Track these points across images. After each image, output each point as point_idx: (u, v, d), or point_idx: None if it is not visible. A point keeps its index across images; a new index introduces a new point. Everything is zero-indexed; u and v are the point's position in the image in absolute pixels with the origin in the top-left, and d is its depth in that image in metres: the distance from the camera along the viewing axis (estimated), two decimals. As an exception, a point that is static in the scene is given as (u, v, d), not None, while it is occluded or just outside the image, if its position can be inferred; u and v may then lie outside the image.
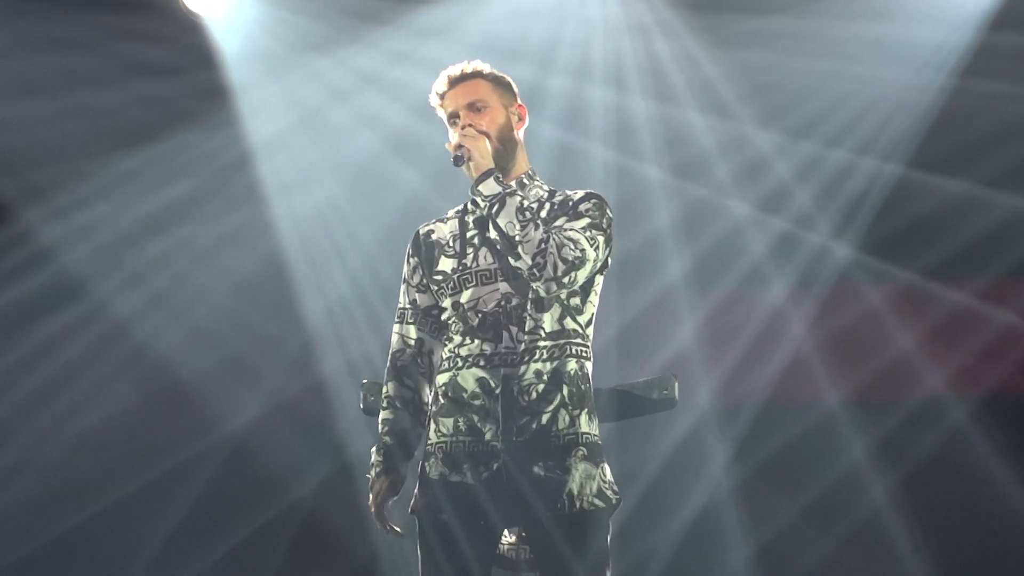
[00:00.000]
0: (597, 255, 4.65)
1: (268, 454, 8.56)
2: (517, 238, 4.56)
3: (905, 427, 8.36)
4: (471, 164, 4.65)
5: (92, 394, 8.56)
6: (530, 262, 4.55)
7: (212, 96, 8.47)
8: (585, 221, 4.67)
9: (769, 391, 8.42)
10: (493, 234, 4.64)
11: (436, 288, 4.78)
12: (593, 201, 4.73)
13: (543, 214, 4.71)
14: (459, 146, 4.65)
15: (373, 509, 4.73)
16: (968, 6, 8.26)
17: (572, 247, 4.57)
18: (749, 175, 8.47)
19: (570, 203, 4.73)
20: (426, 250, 4.83)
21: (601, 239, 4.66)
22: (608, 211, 4.73)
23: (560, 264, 4.55)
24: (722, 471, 8.33)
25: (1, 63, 8.39)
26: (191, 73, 8.46)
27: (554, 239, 4.56)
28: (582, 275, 4.62)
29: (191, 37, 8.42)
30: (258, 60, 8.53)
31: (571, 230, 4.61)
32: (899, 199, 8.37)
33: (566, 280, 4.57)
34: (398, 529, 4.72)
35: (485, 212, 4.63)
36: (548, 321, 4.65)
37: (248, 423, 8.54)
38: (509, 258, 4.59)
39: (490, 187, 4.62)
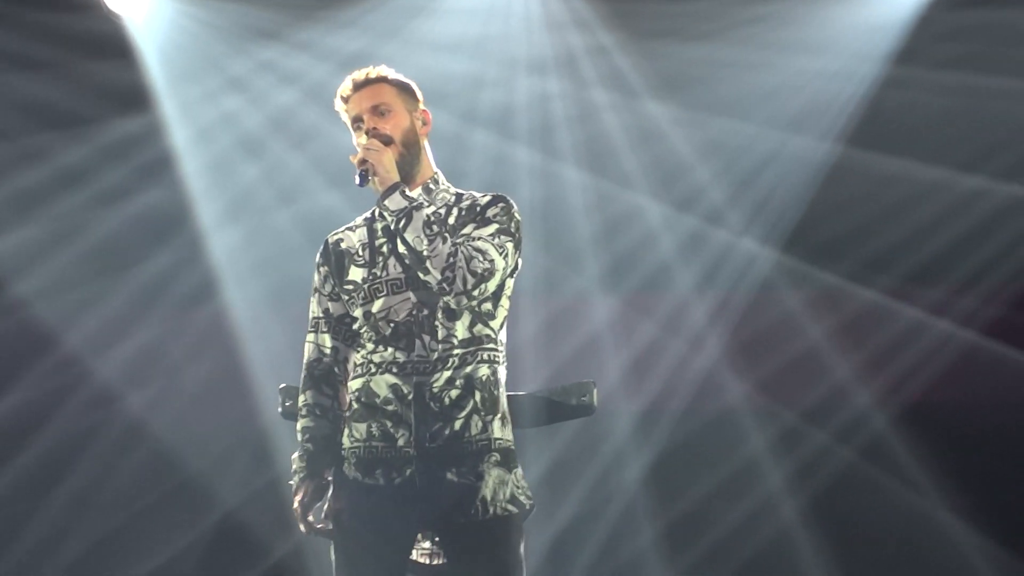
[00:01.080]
0: (507, 262, 4.64)
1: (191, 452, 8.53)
2: (425, 253, 4.53)
3: (820, 433, 8.42)
4: (375, 179, 4.62)
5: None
6: (439, 276, 4.53)
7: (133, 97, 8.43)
8: (493, 227, 4.65)
9: (684, 398, 8.45)
10: (402, 248, 4.61)
11: (347, 297, 4.75)
12: (500, 205, 4.71)
13: (451, 220, 4.70)
14: (363, 161, 4.61)
15: (300, 513, 4.69)
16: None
17: (481, 259, 4.56)
18: (666, 174, 8.50)
19: (477, 208, 4.71)
20: (336, 259, 4.80)
21: (510, 245, 4.66)
22: (516, 214, 4.72)
23: (470, 278, 4.54)
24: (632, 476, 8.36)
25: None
26: (112, 73, 8.41)
27: (462, 252, 4.55)
28: (492, 284, 4.61)
29: (112, 38, 8.39)
30: (178, 60, 8.48)
31: (479, 239, 4.61)
32: (819, 200, 8.44)
33: (476, 292, 4.56)
34: (328, 527, 4.68)
35: (392, 227, 4.60)
36: (460, 329, 4.64)
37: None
38: (419, 273, 4.57)
39: (396, 202, 4.59)
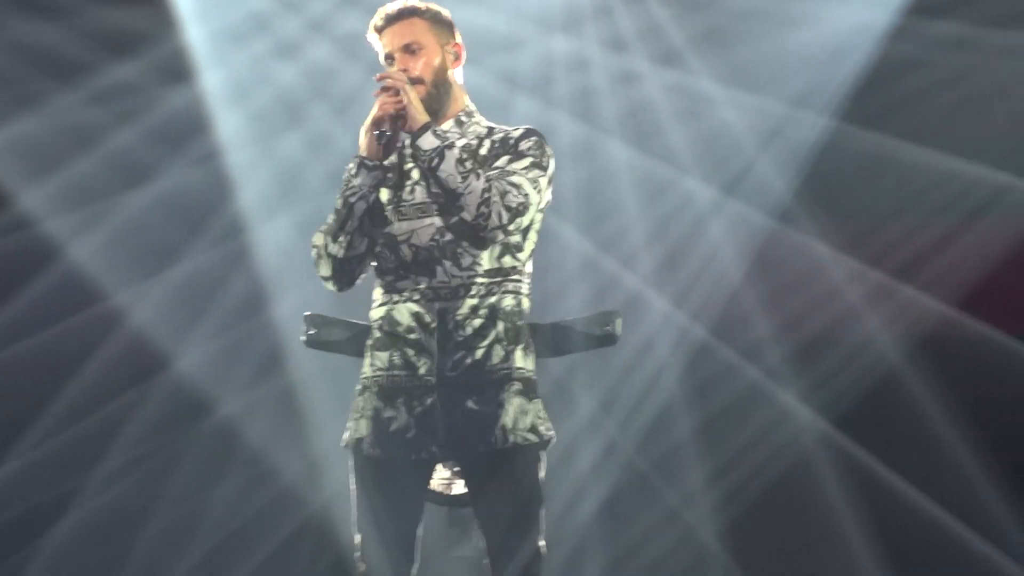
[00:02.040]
0: (540, 197, 4.64)
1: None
2: (459, 190, 4.52)
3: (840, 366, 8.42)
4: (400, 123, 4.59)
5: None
6: (475, 212, 4.51)
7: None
8: (527, 161, 4.64)
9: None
10: (435, 188, 4.60)
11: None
12: (534, 139, 4.69)
13: (483, 152, 4.69)
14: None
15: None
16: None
17: (516, 192, 4.55)
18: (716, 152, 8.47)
19: (510, 140, 4.69)
20: None
21: (543, 179, 4.64)
22: (548, 147, 4.70)
23: (505, 213, 4.53)
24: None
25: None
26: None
27: (496, 187, 4.53)
28: (526, 219, 4.60)
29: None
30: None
31: (514, 174, 4.59)
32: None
33: (512, 227, 4.56)
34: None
35: (426, 167, 4.57)
36: (486, 258, 4.64)
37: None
38: (452, 209, 4.55)
39: (428, 141, 4.56)
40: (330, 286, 4.72)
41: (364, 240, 4.63)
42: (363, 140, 4.64)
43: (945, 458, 8.18)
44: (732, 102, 8.40)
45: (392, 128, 4.59)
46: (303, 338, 5.05)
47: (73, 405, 8.47)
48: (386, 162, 4.64)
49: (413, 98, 4.57)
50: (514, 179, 4.58)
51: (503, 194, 4.53)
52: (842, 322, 8.44)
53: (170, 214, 8.52)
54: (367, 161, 4.62)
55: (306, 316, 5.03)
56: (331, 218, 4.67)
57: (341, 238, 4.63)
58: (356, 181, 4.62)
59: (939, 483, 8.15)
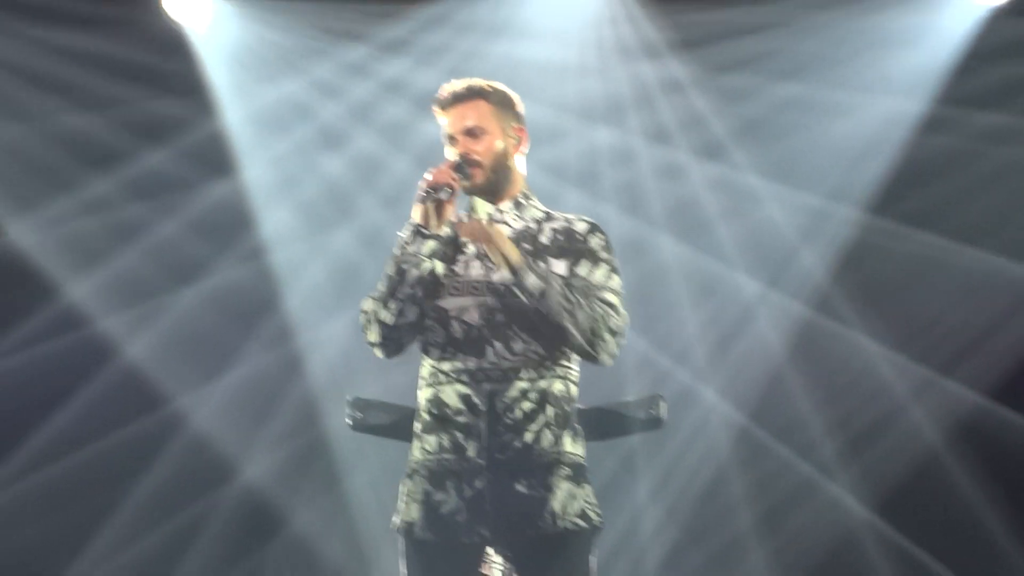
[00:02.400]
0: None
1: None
2: (566, 324, 4.51)
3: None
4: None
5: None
6: (583, 341, 4.53)
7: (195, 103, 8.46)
8: (606, 268, 4.65)
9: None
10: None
11: None
12: (600, 236, 4.70)
13: (543, 239, 4.68)
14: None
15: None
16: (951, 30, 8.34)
17: (615, 315, 4.59)
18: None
19: (576, 236, 4.69)
20: None
21: (618, 280, 4.68)
22: (612, 247, 4.72)
23: (611, 339, 4.57)
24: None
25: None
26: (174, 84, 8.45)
27: (597, 312, 4.55)
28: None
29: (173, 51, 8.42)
30: (241, 71, 8.50)
31: (603, 289, 4.60)
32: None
33: (619, 347, 4.60)
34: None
35: (530, 302, 4.54)
36: (539, 343, 4.62)
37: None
38: (564, 326, 4.54)
39: (533, 282, 4.53)
40: (378, 352, 4.69)
41: (415, 308, 4.61)
42: (417, 208, 4.63)
43: (986, 544, 8.17)
44: (774, 196, 8.43)
45: (444, 196, 4.59)
46: (348, 422, 5.02)
47: (139, 514, 8.44)
48: (440, 232, 4.63)
49: (502, 242, 4.54)
50: (607, 296, 4.60)
51: (604, 318, 4.56)
52: (883, 412, 8.43)
53: (222, 312, 8.51)
54: (422, 229, 4.61)
55: (350, 400, 5.01)
56: (381, 284, 4.65)
57: (392, 305, 4.61)
58: (410, 248, 4.61)
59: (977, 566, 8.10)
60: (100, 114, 8.45)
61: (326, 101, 8.57)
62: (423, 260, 4.59)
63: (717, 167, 8.53)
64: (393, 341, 4.65)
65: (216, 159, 8.51)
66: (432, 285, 4.63)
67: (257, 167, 8.54)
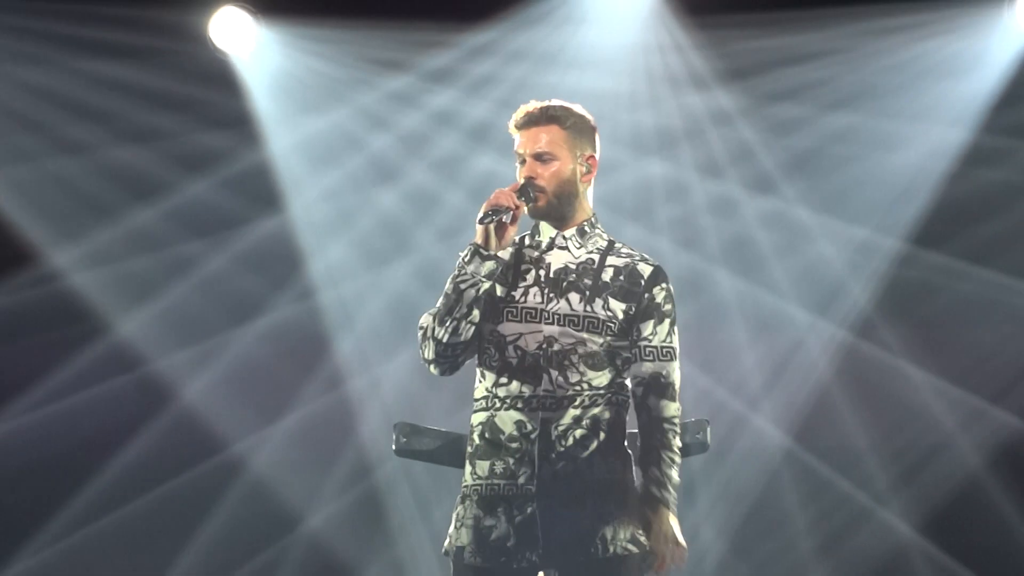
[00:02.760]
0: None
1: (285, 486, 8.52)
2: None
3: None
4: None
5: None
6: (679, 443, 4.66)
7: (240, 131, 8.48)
8: (667, 325, 4.68)
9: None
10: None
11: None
12: (665, 287, 4.70)
13: (605, 277, 4.67)
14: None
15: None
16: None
17: (676, 391, 4.67)
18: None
19: (640, 281, 4.67)
20: None
21: (677, 336, 4.71)
22: (673, 293, 4.73)
23: (679, 406, 4.67)
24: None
25: (29, 107, 8.42)
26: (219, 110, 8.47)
27: (669, 451, 4.62)
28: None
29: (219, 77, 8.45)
30: (285, 98, 8.52)
31: (669, 369, 4.66)
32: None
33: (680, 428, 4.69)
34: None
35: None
36: (599, 377, 4.63)
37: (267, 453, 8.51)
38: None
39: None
40: (433, 369, 4.70)
41: (471, 328, 4.61)
42: (479, 228, 4.62)
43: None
44: (823, 230, 8.43)
45: (505, 216, 4.59)
46: (394, 447, 5.02)
47: (198, 565, 8.46)
48: (500, 254, 4.62)
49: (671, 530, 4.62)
50: (673, 377, 4.67)
51: (677, 398, 4.66)
52: (932, 440, 8.42)
53: (279, 350, 8.52)
54: (481, 250, 4.60)
55: (396, 425, 5.03)
56: (440, 302, 4.64)
57: (448, 323, 4.60)
58: (469, 268, 4.60)
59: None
60: (146, 146, 8.48)
61: (374, 132, 8.57)
62: (481, 280, 4.59)
63: (768, 201, 8.51)
64: (447, 359, 4.65)
65: (264, 191, 8.51)
66: (489, 306, 4.63)
67: (306, 199, 8.55)
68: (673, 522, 4.57)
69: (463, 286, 4.59)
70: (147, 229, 8.54)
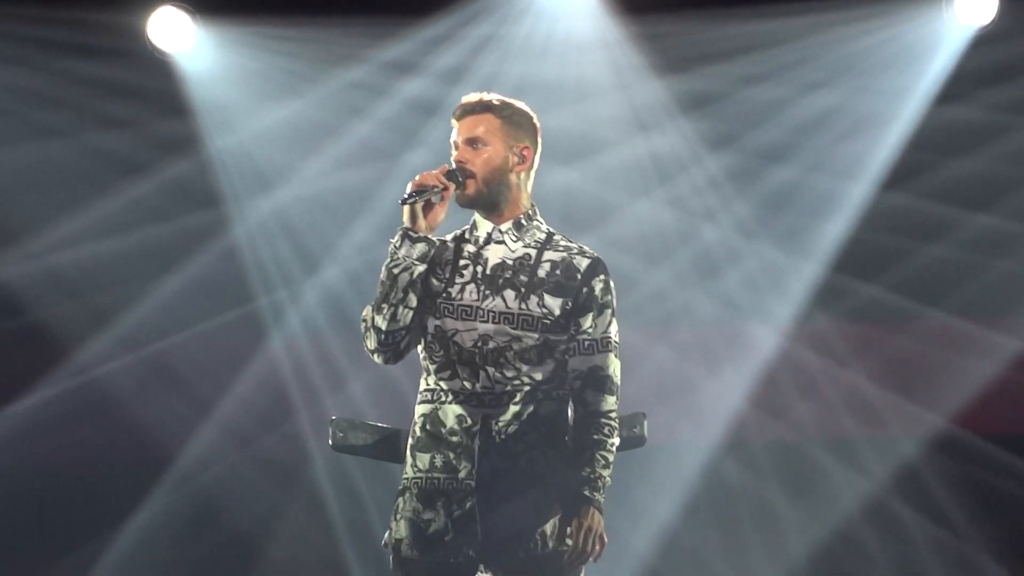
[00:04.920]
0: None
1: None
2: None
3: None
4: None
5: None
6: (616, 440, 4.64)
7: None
8: (609, 315, 4.65)
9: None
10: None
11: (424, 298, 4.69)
12: (603, 280, 4.68)
13: (541, 273, 4.65)
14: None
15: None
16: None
17: (614, 384, 4.63)
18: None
19: (577, 275, 4.66)
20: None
21: (616, 326, 4.68)
22: (612, 284, 4.71)
23: (616, 399, 4.65)
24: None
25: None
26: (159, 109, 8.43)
27: (608, 439, 4.60)
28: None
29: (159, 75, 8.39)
30: (227, 93, 8.49)
31: (607, 360, 4.63)
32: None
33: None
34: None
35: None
36: (537, 371, 4.62)
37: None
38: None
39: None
40: (377, 359, 4.69)
41: (408, 312, 4.60)
42: (404, 210, 4.62)
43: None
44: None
45: (433, 197, 4.59)
46: (330, 442, 4.99)
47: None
48: (430, 235, 4.62)
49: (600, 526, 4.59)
50: (611, 370, 4.63)
51: (616, 391, 4.64)
52: None
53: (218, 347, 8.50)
54: (411, 232, 4.59)
55: (333, 420, 5.00)
56: (377, 290, 4.64)
57: (386, 309, 4.60)
58: (400, 252, 4.60)
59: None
60: (80, 144, 8.42)
61: (319, 130, 8.55)
62: (414, 264, 4.58)
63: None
64: (389, 347, 4.63)
65: (202, 193, 8.48)
66: (429, 301, 4.63)
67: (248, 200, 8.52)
68: (598, 519, 4.54)
69: (396, 271, 4.58)
70: (78, 231, 8.48)
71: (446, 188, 4.59)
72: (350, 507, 8.37)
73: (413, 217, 4.59)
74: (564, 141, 8.08)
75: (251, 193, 8.55)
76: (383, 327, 4.60)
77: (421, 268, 4.58)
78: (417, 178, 4.60)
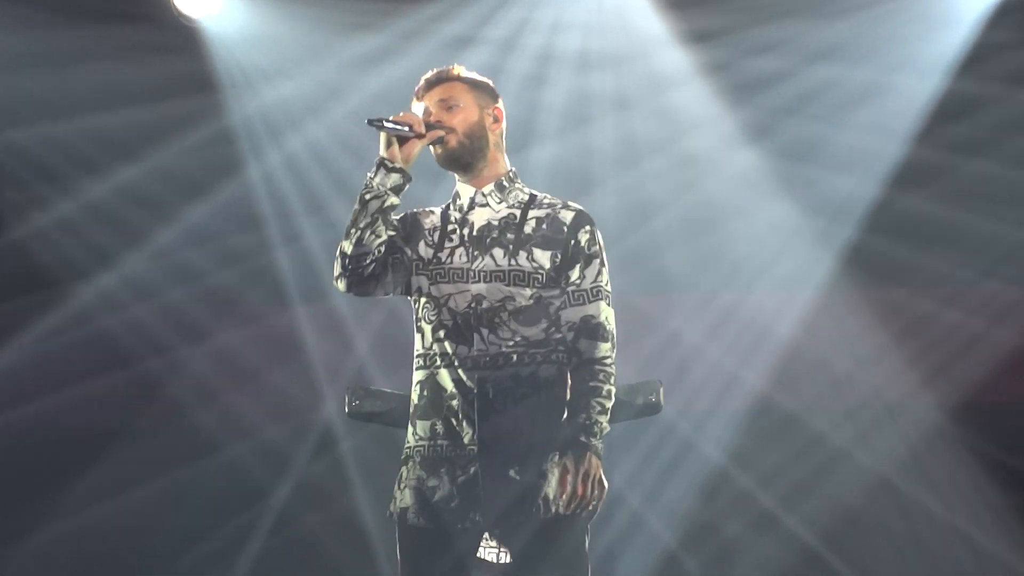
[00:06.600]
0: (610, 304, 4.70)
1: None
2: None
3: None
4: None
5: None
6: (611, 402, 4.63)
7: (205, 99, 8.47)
8: (597, 265, 4.69)
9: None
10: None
11: (414, 259, 4.73)
12: (589, 230, 4.72)
13: (527, 229, 4.69)
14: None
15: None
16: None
17: (607, 330, 4.64)
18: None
19: (563, 227, 4.70)
20: (411, 225, 4.78)
21: (607, 275, 4.70)
22: (599, 235, 4.73)
23: (614, 350, 4.65)
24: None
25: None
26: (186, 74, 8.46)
27: (604, 387, 4.60)
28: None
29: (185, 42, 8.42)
30: (252, 60, 8.51)
31: (598, 307, 4.64)
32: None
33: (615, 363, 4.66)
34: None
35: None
36: (532, 331, 4.65)
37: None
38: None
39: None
40: (340, 285, 4.71)
41: (375, 239, 4.63)
42: (382, 137, 4.66)
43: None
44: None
45: (409, 132, 4.63)
46: (346, 409, 5.04)
47: None
48: (405, 167, 4.65)
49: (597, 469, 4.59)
50: (603, 317, 4.64)
51: (610, 338, 4.63)
52: None
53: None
54: (386, 162, 4.64)
55: (349, 388, 5.04)
56: (348, 217, 4.69)
57: (353, 233, 4.63)
58: (375, 181, 4.64)
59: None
60: (111, 111, 8.46)
61: (338, 97, 8.56)
62: (387, 193, 4.63)
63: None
64: (354, 273, 4.66)
65: (227, 157, 8.51)
66: (422, 268, 4.67)
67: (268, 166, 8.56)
68: (596, 463, 4.56)
69: (368, 197, 4.62)
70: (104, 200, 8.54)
71: (420, 136, 4.64)
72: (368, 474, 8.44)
73: (388, 146, 4.64)
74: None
75: (272, 156, 8.59)
76: (348, 251, 4.63)
77: (393, 199, 4.63)
78: (402, 114, 4.65)
